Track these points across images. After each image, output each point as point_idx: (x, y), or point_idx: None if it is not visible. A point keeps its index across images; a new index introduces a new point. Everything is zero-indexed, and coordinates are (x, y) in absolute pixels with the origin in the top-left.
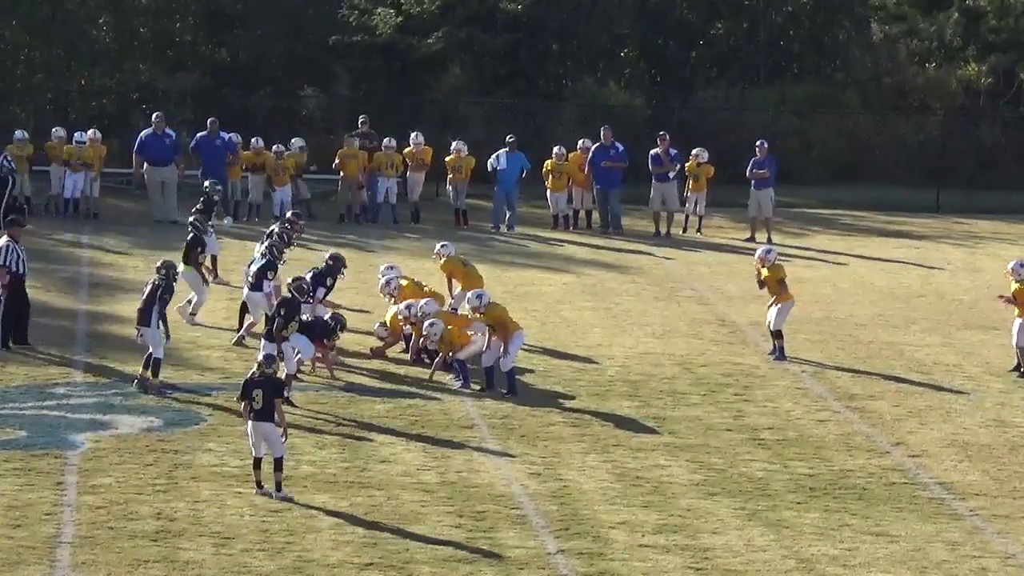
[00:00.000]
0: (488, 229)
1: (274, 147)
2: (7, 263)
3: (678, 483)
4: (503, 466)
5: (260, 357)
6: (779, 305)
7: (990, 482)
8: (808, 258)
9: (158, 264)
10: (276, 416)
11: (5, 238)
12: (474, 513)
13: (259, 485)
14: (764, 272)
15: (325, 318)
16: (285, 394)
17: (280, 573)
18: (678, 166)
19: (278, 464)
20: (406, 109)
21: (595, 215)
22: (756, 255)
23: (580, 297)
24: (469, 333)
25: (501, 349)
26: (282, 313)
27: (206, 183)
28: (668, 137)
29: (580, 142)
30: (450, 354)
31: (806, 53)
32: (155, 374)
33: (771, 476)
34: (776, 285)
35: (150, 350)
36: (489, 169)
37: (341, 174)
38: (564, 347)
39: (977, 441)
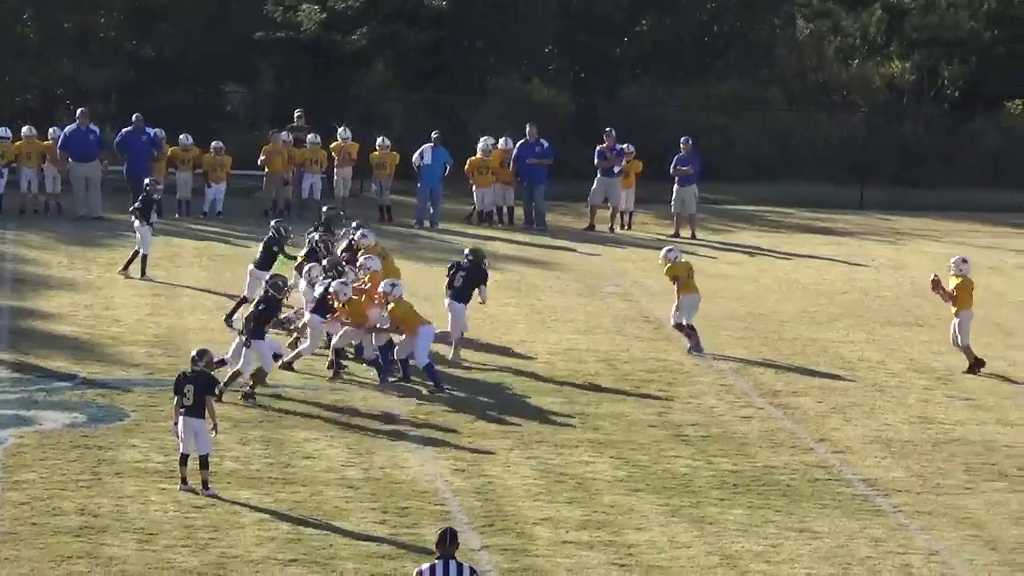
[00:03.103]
0: (412, 225)
1: (212, 144)
2: None
3: (602, 479)
4: (427, 462)
5: (193, 353)
6: (682, 298)
7: (913, 479)
8: (732, 254)
9: (267, 278)
10: (207, 413)
11: None
12: (398, 509)
13: (184, 481)
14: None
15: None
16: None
17: (204, 569)
18: (623, 161)
19: (204, 462)
20: (330, 105)
21: (519, 211)
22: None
23: (504, 293)
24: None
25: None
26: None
27: (146, 181)
28: (614, 133)
29: (502, 139)
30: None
31: (731, 50)
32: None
33: (695, 472)
34: (684, 280)
35: (239, 364)
36: (413, 165)
37: (266, 170)
38: (488, 343)
39: (900, 438)
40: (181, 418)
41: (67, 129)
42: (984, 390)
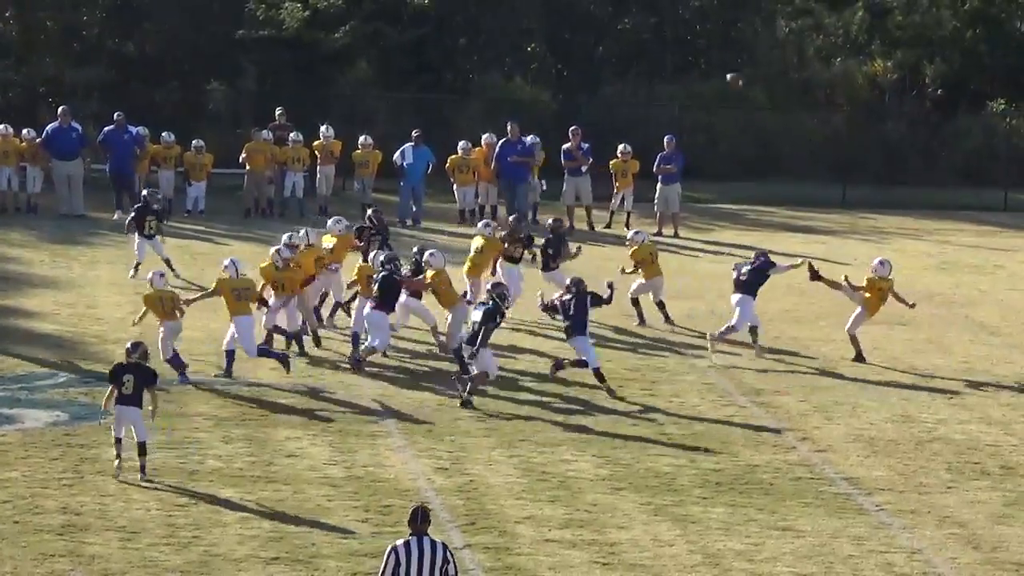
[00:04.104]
0: (395, 223)
1: (193, 142)
2: None
3: (584, 478)
4: (409, 461)
5: (128, 345)
6: (647, 281)
7: (896, 477)
8: (715, 253)
9: (489, 287)
10: (149, 403)
11: None
12: (380, 507)
13: (119, 457)
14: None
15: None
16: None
17: (186, 567)
18: (591, 160)
19: (142, 448)
20: (313, 104)
21: (501, 210)
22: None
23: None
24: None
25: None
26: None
27: (145, 191)
28: (580, 131)
29: (484, 137)
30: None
31: (713, 48)
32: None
33: (677, 471)
34: (648, 263)
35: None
36: (395, 164)
37: (247, 168)
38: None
39: (883, 436)
40: (117, 407)
41: (49, 128)
42: (966, 389)
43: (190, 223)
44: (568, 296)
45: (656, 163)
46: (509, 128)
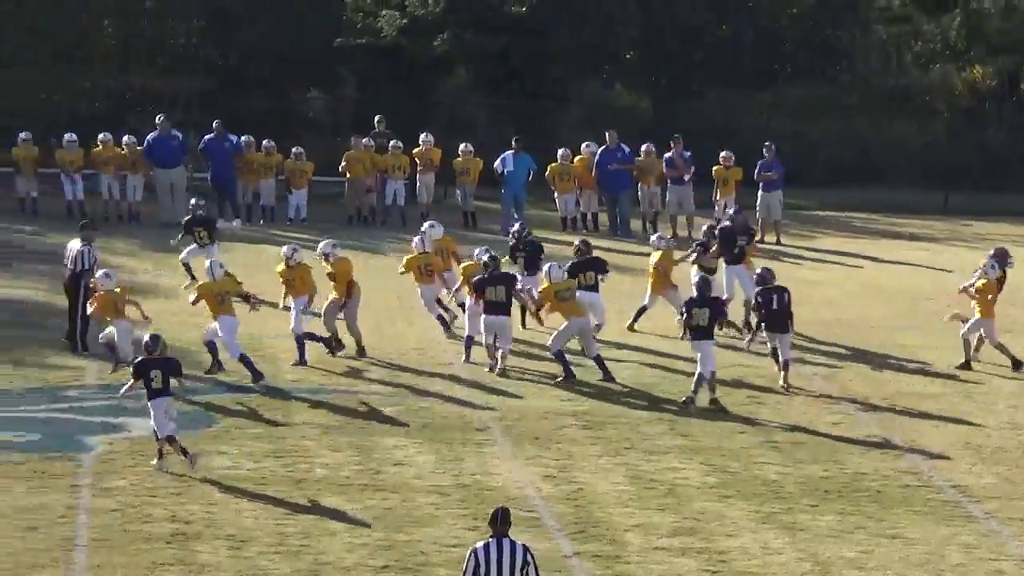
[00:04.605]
0: (498, 232)
1: (293, 150)
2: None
3: (692, 485)
4: (517, 469)
5: (146, 338)
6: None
7: (1005, 484)
8: (818, 260)
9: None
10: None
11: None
12: (488, 515)
13: (161, 455)
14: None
15: None
16: None
17: None
18: (692, 168)
19: (171, 440)
20: (412, 111)
21: (603, 217)
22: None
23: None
24: None
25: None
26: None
27: (192, 201)
28: (681, 140)
29: (584, 145)
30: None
31: (810, 55)
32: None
33: (785, 478)
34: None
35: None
36: (496, 171)
37: (348, 176)
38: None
39: (991, 444)
40: (152, 401)
41: (150, 137)
42: None
43: (293, 231)
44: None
45: (757, 170)
46: (608, 136)
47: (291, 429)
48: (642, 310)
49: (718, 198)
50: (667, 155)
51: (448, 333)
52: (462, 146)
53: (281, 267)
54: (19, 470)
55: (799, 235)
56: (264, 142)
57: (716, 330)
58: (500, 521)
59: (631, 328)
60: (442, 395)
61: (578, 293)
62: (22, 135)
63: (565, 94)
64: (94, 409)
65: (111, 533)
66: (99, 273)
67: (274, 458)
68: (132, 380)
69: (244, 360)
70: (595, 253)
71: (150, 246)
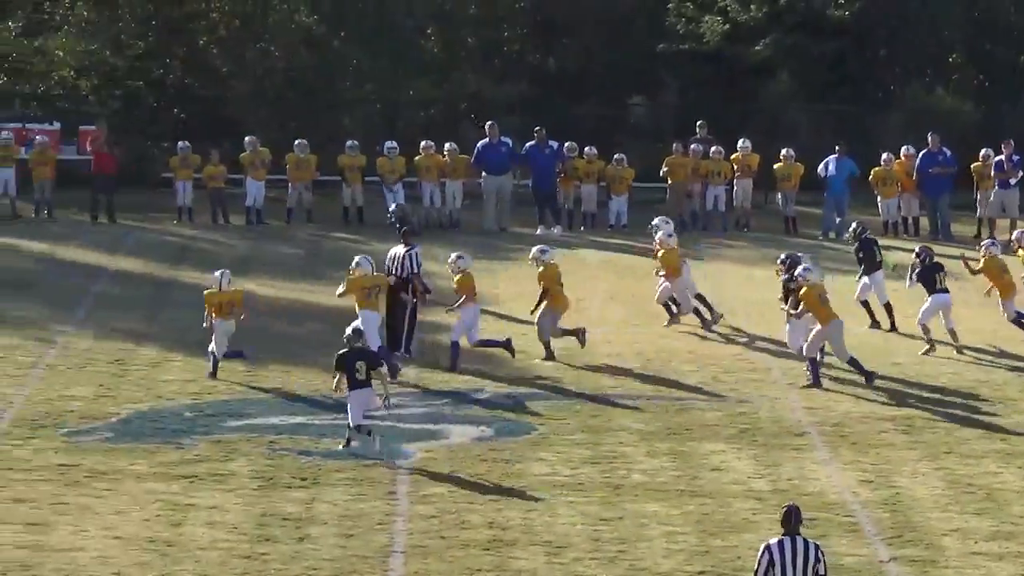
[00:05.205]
0: (817, 236)
1: (614, 156)
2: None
3: (1011, 490)
4: (834, 474)
5: (349, 331)
6: None
7: None
8: None
9: None
10: (380, 387)
11: (402, 246)
12: (805, 521)
13: (348, 443)
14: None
15: None
16: None
17: None
18: (1020, 173)
19: (360, 429)
20: (733, 117)
21: (924, 222)
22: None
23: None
24: None
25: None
26: None
27: (392, 205)
28: (1012, 143)
29: (903, 148)
30: None
31: None
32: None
33: None
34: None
35: None
36: (819, 176)
37: (669, 181)
38: (908, 354)
39: None
40: (354, 392)
41: (480, 144)
42: None
43: (616, 237)
44: None
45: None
46: (930, 139)
47: (610, 435)
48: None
49: None
50: (997, 158)
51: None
52: (784, 151)
53: (541, 269)
54: (338, 477)
55: None
56: (586, 148)
57: None
58: (793, 519)
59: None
60: (760, 400)
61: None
62: (349, 143)
63: (887, 99)
64: (412, 416)
65: (428, 540)
66: (359, 258)
67: (592, 464)
68: (336, 374)
69: (382, 351)
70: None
71: (471, 253)
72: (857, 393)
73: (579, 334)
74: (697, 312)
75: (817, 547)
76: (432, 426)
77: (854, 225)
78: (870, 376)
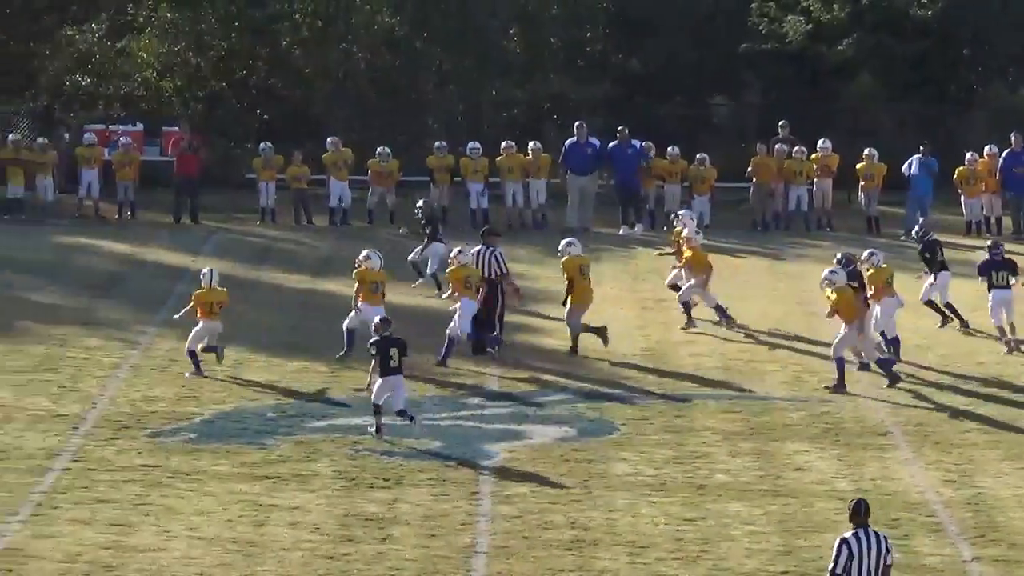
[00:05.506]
0: (900, 236)
1: (696, 156)
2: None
3: None
4: (917, 474)
5: (377, 320)
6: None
7: None
8: None
9: None
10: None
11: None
12: (889, 521)
13: (379, 430)
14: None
15: None
16: None
17: None
18: None
19: (402, 413)
20: (815, 117)
21: (1006, 221)
22: None
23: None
24: None
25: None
26: None
27: (420, 202)
28: None
29: (986, 148)
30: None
31: None
32: None
33: None
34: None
35: None
36: (904, 175)
37: (753, 181)
38: (990, 353)
39: None
40: (386, 377)
41: (567, 143)
42: None
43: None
44: None
45: None
46: (1013, 139)
47: (692, 435)
48: None
49: None
50: None
51: None
52: (866, 151)
53: (564, 260)
54: (421, 478)
55: None
56: (669, 148)
57: None
58: (863, 512)
59: None
60: (843, 400)
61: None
62: (437, 144)
63: (969, 98)
64: (495, 416)
65: (511, 540)
66: (368, 251)
67: (675, 464)
68: (374, 357)
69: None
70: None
71: (551, 252)
72: (940, 393)
73: (601, 332)
74: (719, 309)
75: (886, 538)
76: (515, 426)
77: (917, 227)
78: (895, 377)
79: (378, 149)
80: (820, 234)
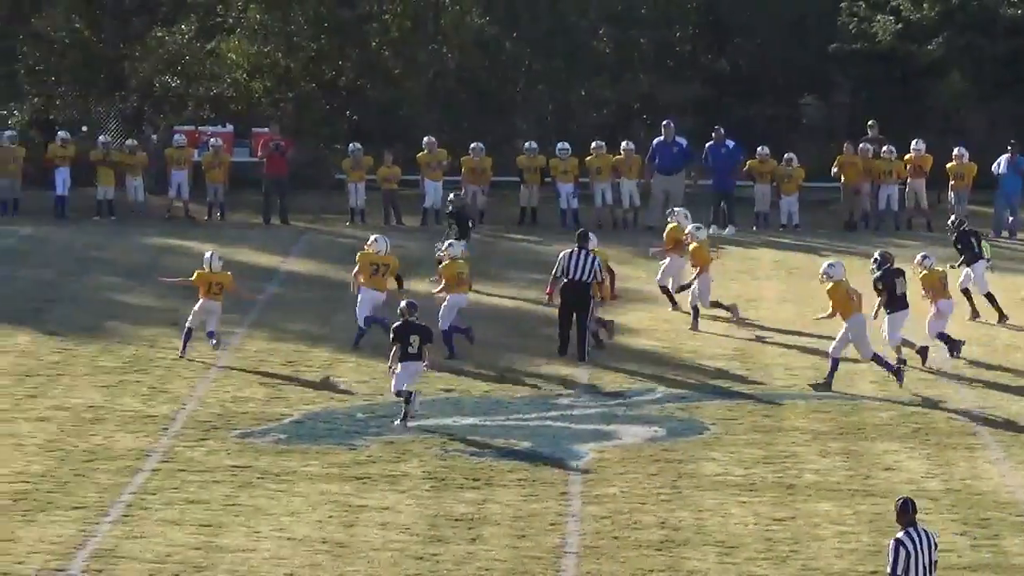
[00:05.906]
0: (988, 236)
1: (784, 156)
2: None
3: None
4: (1008, 473)
5: (403, 304)
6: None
7: None
8: None
9: None
10: (426, 358)
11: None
12: (978, 521)
13: (406, 417)
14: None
15: None
16: None
17: None
18: None
19: (409, 397)
20: (905, 116)
21: None
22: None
23: None
24: None
25: None
26: None
27: (452, 196)
28: None
29: None
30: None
31: None
32: None
33: None
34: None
35: None
36: (994, 174)
37: (842, 181)
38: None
39: None
40: (405, 363)
41: (655, 142)
42: None
43: (787, 236)
44: None
45: None
46: None
47: (782, 435)
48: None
49: None
50: None
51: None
52: (956, 150)
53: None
54: (510, 478)
55: None
56: (759, 148)
57: None
58: (911, 510)
59: None
60: (933, 400)
61: None
62: (527, 144)
63: None
64: (584, 417)
65: (601, 540)
66: (376, 235)
67: (764, 464)
68: (393, 344)
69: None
70: None
71: (642, 252)
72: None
73: (607, 325)
74: (721, 305)
75: (935, 534)
76: (604, 427)
77: (953, 216)
78: (900, 373)
79: (472, 145)
80: (909, 233)
